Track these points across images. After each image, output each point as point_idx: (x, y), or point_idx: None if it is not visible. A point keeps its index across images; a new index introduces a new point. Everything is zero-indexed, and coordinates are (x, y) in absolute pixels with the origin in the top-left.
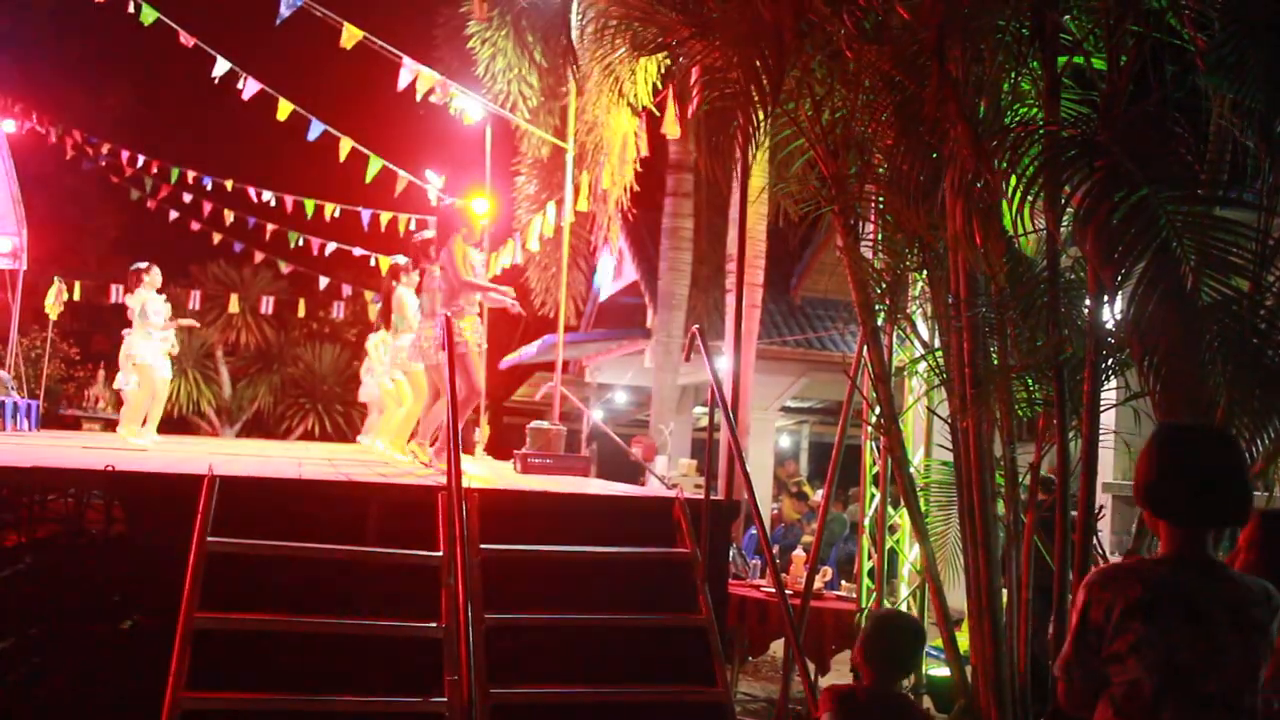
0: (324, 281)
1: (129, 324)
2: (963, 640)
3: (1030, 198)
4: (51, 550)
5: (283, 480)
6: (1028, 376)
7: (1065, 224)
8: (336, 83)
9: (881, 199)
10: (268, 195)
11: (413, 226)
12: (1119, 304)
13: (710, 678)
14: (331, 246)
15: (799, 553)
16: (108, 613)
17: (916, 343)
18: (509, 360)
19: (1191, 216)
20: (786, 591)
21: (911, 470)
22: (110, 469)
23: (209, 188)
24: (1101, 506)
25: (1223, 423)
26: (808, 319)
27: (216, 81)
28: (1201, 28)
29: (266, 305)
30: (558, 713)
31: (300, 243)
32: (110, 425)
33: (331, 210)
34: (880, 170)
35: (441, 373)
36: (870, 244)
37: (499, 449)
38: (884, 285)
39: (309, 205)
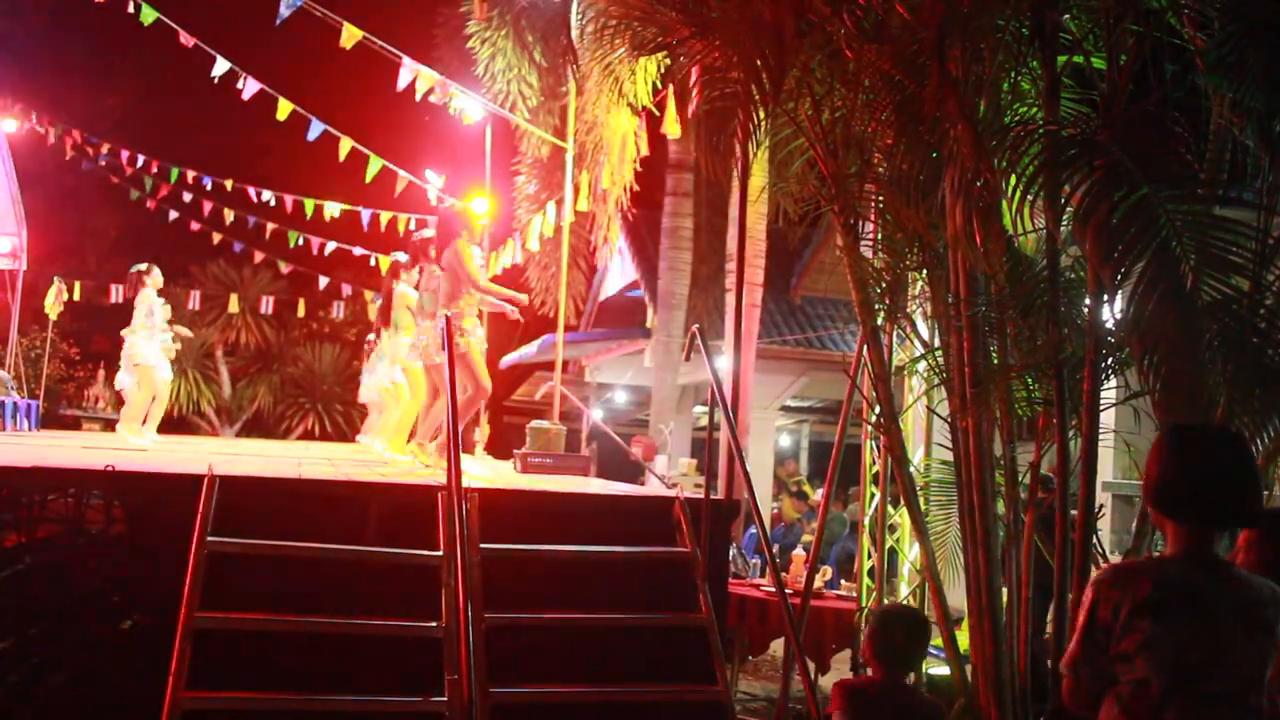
0: (324, 281)
1: (128, 324)
2: (963, 639)
3: (1030, 197)
4: (51, 550)
5: (283, 480)
6: (1027, 376)
7: (1065, 223)
8: (336, 83)
9: (881, 198)
10: (267, 195)
11: (412, 226)
12: (1119, 303)
13: (710, 677)
14: (331, 246)
15: (799, 552)
16: (108, 613)
17: (916, 342)
18: (509, 360)
19: (1191, 215)
20: (786, 591)
21: (911, 469)
22: (110, 469)
23: (209, 188)
24: (1101, 505)
25: (1223, 422)
26: (808, 318)
27: (216, 81)
28: (1201, 27)
29: (266, 305)
30: (558, 712)
31: (300, 242)
32: (110, 425)
33: (331, 210)
34: (880, 169)
35: (442, 373)
36: (870, 243)
37: (499, 449)
38: (884, 284)
39: (309, 205)
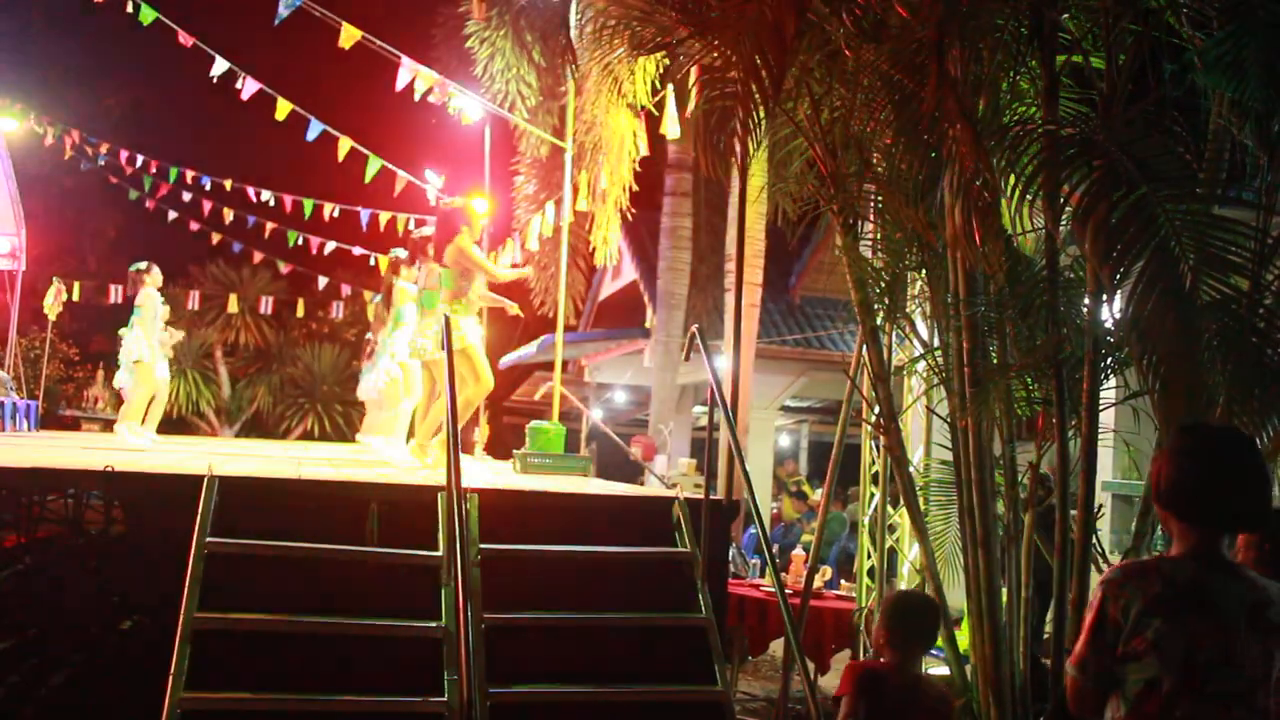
0: (323, 281)
1: (127, 324)
2: (962, 639)
3: (1029, 197)
4: (51, 550)
5: (282, 480)
6: (1027, 375)
7: (1064, 223)
8: (335, 82)
9: (880, 198)
10: (267, 195)
11: (412, 226)
12: (1118, 302)
13: (710, 677)
14: (331, 246)
15: (798, 552)
16: (107, 613)
17: (916, 342)
18: (508, 360)
19: (1190, 215)
20: (786, 591)
21: (911, 469)
22: (110, 469)
23: (208, 187)
24: (1101, 505)
25: (1222, 421)
26: (807, 318)
27: (215, 81)
28: (1200, 27)
29: (265, 305)
30: (557, 712)
31: (300, 242)
32: (110, 426)
33: (330, 210)
34: (879, 169)
35: (442, 369)
36: (869, 243)
37: (498, 448)
38: (883, 284)
39: (308, 205)
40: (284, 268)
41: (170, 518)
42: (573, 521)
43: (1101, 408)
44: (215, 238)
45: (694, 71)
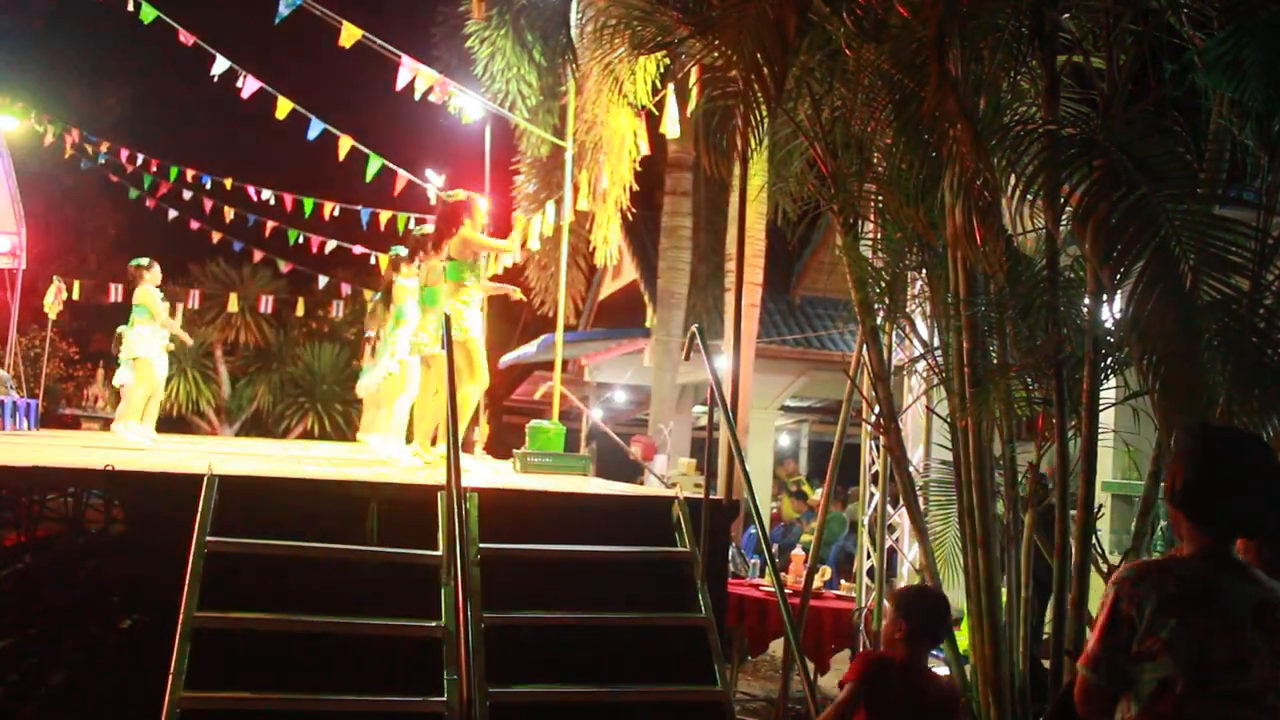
0: (323, 280)
1: (127, 322)
2: (962, 639)
3: (1029, 197)
4: (51, 550)
5: (282, 479)
6: (1027, 375)
7: (1064, 223)
8: (336, 82)
9: (881, 198)
10: (267, 194)
11: (412, 225)
12: (1118, 302)
13: (710, 677)
14: (331, 245)
15: (798, 552)
16: (107, 612)
17: (916, 342)
18: (508, 359)
19: (1190, 215)
20: (785, 590)
21: (911, 469)
22: (109, 468)
23: (208, 186)
24: (1100, 505)
25: (1222, 422)
26: (807, 318)
27: (216, 80)
28: (1200, 27)
29: (266, 304)
30: (557, 712)
31: (300, 241)
32: (110, 424)
33: (331, 209)
34: (879, 169)
35: (442, 363)
36: (870, 243)
37: (498, 448)
38: (883, 284)
39: (308, 204)
40: (284, 266)
41: (170, 517)
42: (572, 521)
43: (1101, 408)
44: (215, 236)
45: (695, 71)
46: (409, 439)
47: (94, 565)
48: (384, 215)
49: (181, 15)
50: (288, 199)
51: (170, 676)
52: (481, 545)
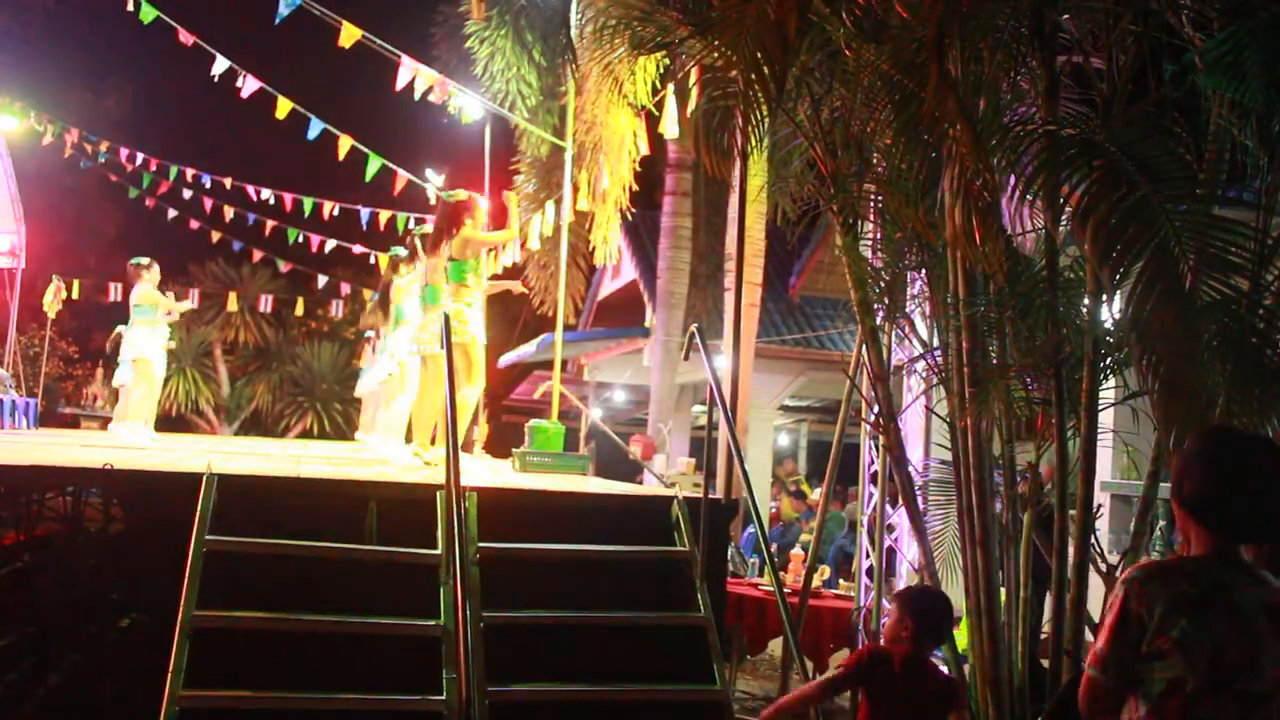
0: (323, 280)
1: (126, 321)
2: (961, 639)
3: (1029, 197)
4: (50, 549)
5: (281, 478)
6: (1026, 375)
7: (1064, 223)
8: (335, 81)
9: (880, 198)
10: (266, 193)
11: (412, 225)
12: (1117, 303)
13: (709, 676)
14: (331, 245)
15: (797, 551)
16: (106, 611)
17: (915, 341)
18: (508, 358)
19: (1190, 216)
20: (784, 590)
21: (910, 469)
22: (109, 467)
23: (208, 186)
24: (1100, 505)
25: (1225, 422)
26: (806, 318)
27: (216, 80)
28: (1200, 27)
29: (265, 304)
30: (556, 711)
31: (300, 240)
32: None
33: (330, 208)
34: (879, 169)
35: (441, 364)
36: (869, 243)
37: (497, 447)
38: (883, 284)
39: (308, 203)
40: (284, 266)
41: (169, 516)
42: (572, 520)
43: (1101, 408)
44: (215, 236)
45: (695, 71)
46: (408, 439)
47: (93, 564)
48: (384, 215)
49: (181, 15)
50: (287, 198)
51: (169, 675)
52: (480, 544)
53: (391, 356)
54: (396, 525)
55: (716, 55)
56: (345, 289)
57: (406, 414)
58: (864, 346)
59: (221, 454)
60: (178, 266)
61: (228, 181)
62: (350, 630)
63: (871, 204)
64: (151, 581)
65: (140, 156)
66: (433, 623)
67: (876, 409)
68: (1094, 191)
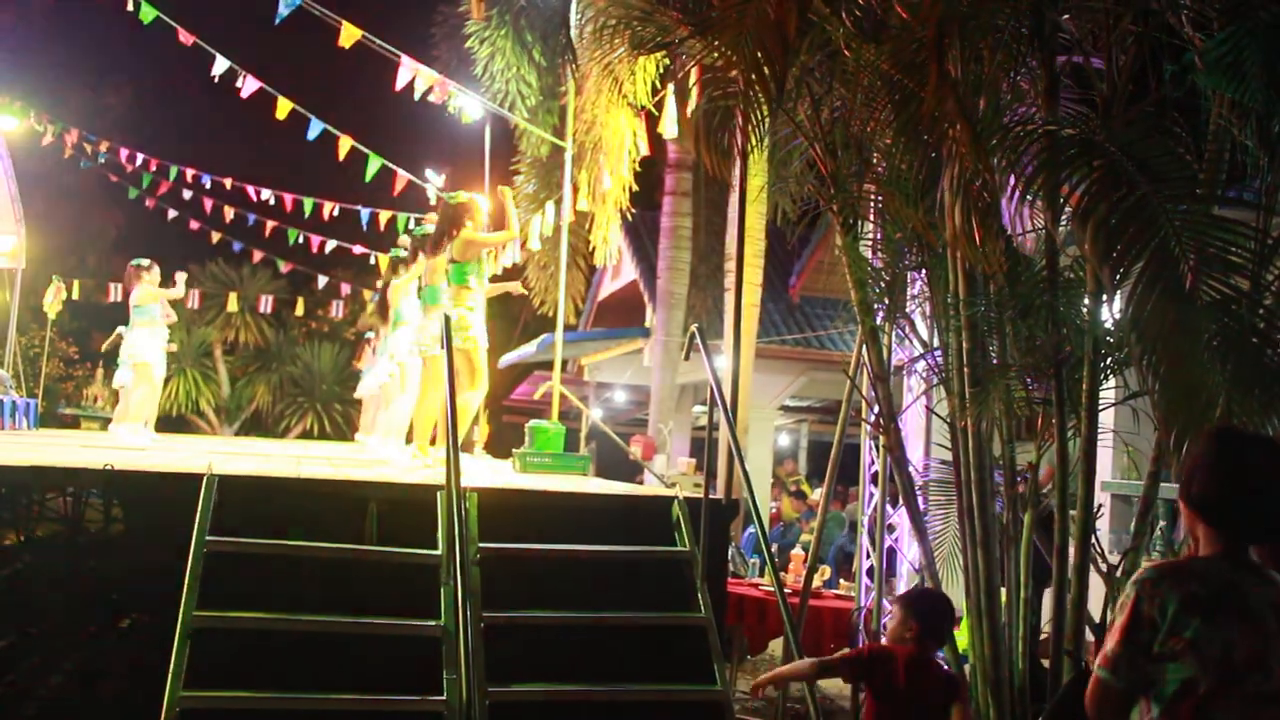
0: (323, 280)
1: (126, 322)
2: (961, 639)
3: (1029, 197)
4: (51, 549)
5: (282, 479)
6: (1026, 375)
7: (1064, 223)
8: (336, 81)
9: (880, 198)
10: (267, 194)
11: (412, 225)
12: (1118, 303)
13: (709, 676)
14: (331, 245)
15: (798, 551)
16: (107, 612)
17: (915, 342)
18: (508, 359)
19: (1190, 215)
20: (785, 590)
21: (910, 469)
22: (109, 468)
23: (208, 186)
24: (1100, 505)
25: (1224, 422)
26: (807, 318)
27: (216, 80)
28: (1200, 27)
29: (265, 304)
30: (556, 711)
31: (300, 241)
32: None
33: (330, 209)
34: (879, 169)
35: (442, 366)
36: (869, 243)
37: (498, 447)
38: (883, 284)
39: (308, 204)
40: (284, 266)
41: (170, 516)
42: (572, 520)
43: (1101, 408)
44: (215, 236)
45: (695, 72)
46: (409, 439)
47: (93, 565)
48: (384, 215)
49: (181, 15)
50: (287, 199)
51: (169, 676)
52: (481, 545)
53: (391, 357)
54: (397, 526)
55: (716, 55)
56: (345, 289)
57: (406, 415)
58: (864, 347)
59: (222, 455)
60: (178, 267)
61: (228, 182)
62: (350, 631)
63: (871, 204)
64: (152, 582)
65: (140, 157)
66: (433, 623)
67: (877, 409)
68: (1094, 191)
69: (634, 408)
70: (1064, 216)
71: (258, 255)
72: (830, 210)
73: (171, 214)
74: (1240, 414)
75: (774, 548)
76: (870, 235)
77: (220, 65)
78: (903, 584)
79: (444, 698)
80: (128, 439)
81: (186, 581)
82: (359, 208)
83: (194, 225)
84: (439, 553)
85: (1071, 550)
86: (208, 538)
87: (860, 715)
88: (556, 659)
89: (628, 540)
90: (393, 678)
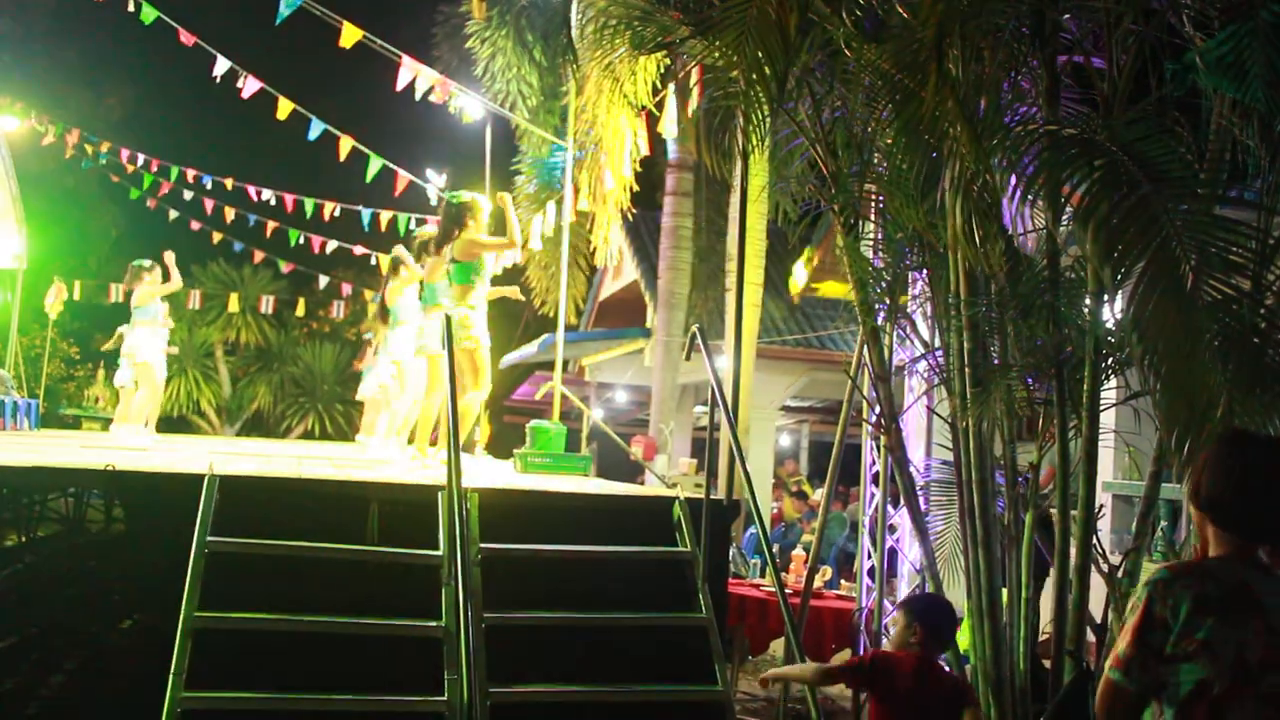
0: (324, 281)
1: (128, 322)
2: (962, 639)
3: (1030, 197)
4: (51, 549)
5: (283, 479)
6: (1028, 375)
7: (1065, 223)
8: (337, 82)
9: (881, 198)
10: (268, 194)
11: (413, 226)
12: (1119, 303)
13: (710, 677)
14: (332, 245)
15: (799, 552)
16: (108, 612)
17: (916, 342)
18: (509, 359)
19: (1191, 215)
20: (786, 591)
21: (911, 469)
22: (110, 468)
23: (209, 187)
24: (1101, 506)
25: (1223, 423)
26: (808, 318)
27: (217, 80)
28: (1201, 27)
29: (266, 304)
30: (557, 712)
31: (301, 241)
32: (110, 425)
33: (331, 209)
34: (880, 169)
35: (443, 366)
36: (870, 243)
37: (499, 448)
38: (884, 284)
39: (309, 204)
40: (285, 267)
41: (171, 517)
42: (573, 521)
43: (1102, 408)
44: (216, 237)
45: (695, 72)
46: (410, 440)
47: (94, 565)
48: (384, 216)
49: (182, 16)
50: (288, 199)
51: (170, 676)
52: (482, 545)
53: (389, 356)
54: (398, 526)
55: (717, 55)
56: (347, 290)
57: (405, 415)
58: (865, 347)
59: (223, 455)
60: (179, 267)
61: (229, 182)
62: (352, 631)
63: (873, 204)
64: (153, 582)
65: (141, 157)
66: (434, 623)
67: (878, 409)
68: (1095, 191)
69: (635, 408)
70: (1065, 216)
71: (259, 256)
72: (831, 210)
73: (173, 214)
74: (1241, 414)
75: (775, 548)
76: (871, 235)
77: (221, 65)
78: (904, 584)
79: (445, 698)
80: (129, 439)
81: (187, 582)
82: (360, 208)
83: (195, 226)
84: (440, 553)
85: (1073, 550)
86: (209, 538)
87: (863, 718)
88: (558, 659)
89: (629, 540)
90: (394, 678)
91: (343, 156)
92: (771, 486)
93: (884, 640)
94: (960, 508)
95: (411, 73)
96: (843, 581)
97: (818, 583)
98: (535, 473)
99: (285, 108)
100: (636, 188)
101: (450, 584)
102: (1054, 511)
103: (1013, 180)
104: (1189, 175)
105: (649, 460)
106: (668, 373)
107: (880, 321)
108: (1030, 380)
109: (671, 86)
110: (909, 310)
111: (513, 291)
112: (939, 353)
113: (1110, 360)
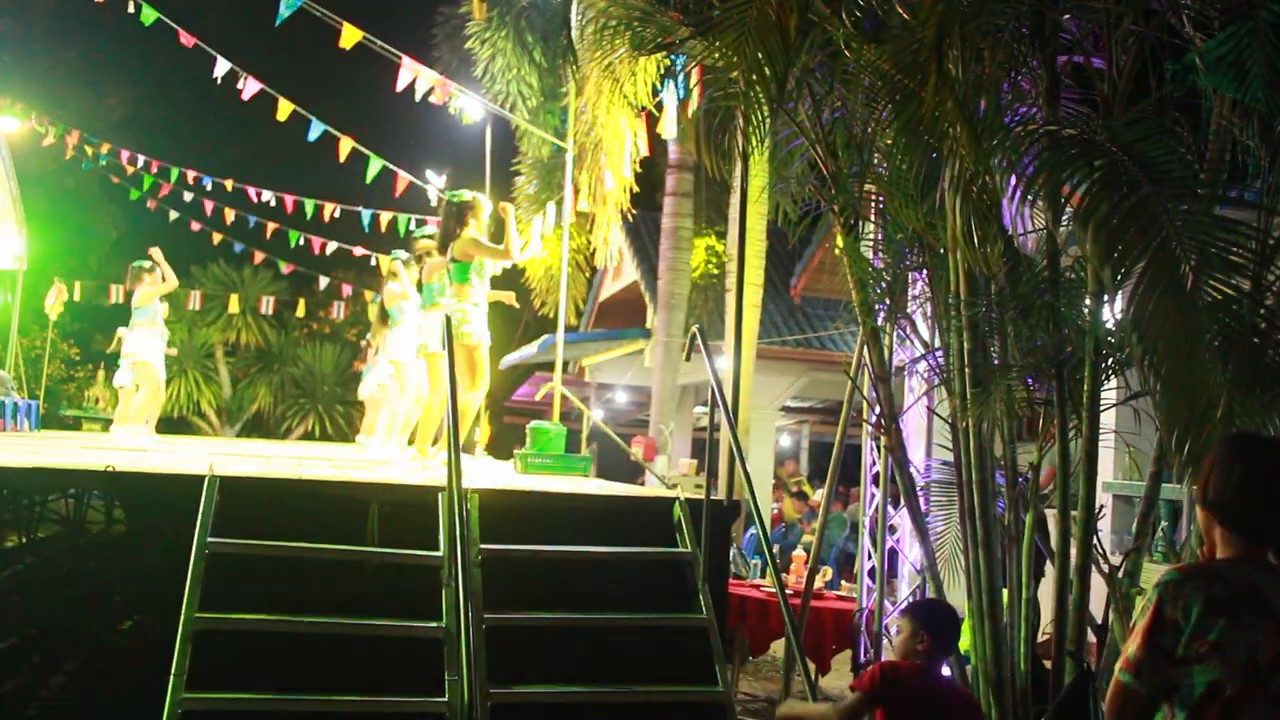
0: (324, 282)
1: (127, 323)
2: (963, 640)
3: (1030, 197)
4: (52, 550)
5: (283, 480)
6: (1028, 376)
7: (1065, 223)
8: (337, 83)
9: (881, 198)
10: (268, 195)
11: (413, 227)
12: (1119, 303)
13: (711, 677)
14: (332, 247)
15: (799, 552)
16: (108, 613)
17: (916, 342)
18: (509, 360)
19: (1191, 216)
20: (786, 591)
21: (911, 470)
22: (111, 469)
23: (209, 188)
24: (1102, 506)
25: (1223, 423)
26: (808, 319)
27: (217, 82)
28: (1201, 27)
29: (266, 305)
30: (558, 712)
31: (301, 242)
32: (110, 426)
33: (332, 210)
34: (880, 169)
35: (442, 365)
36: (870, 243)
37: (499, 449)
38: (884, 285)
39: (309, 205)
40: (285, 268)
41: (171, 518)
42: (573, 521)
43: (1102, 408)
44: (216, 238)
45: (695, 72)
46: (411, 440)
47: (94, 565)
48: (385, 217)
49: (182, 17)
50: (288, 200)
51: (171, 677)
52: (482, 546)
53: (388, 357)
54: (398, 527)
55: (717, 56)
56: (347, 291)
57: (404, 416)
58: (865, 347)
59: (223, 456)
60: (179, 268)
61: (229, 183)
62: (352, 632)
63: (872, 205)
64: (153, 583)
65: (141, 158)
66: (435, 624)
67: (878, 410)
68: (1095, 192)
69: (635, 409)
70: (1065, 217)
71: (259, 256)
72: (831, 211)
73: (173, 215)
74: (1241, 414)
75: (775, 549)
76: (871, 236)
77: (221, 67)
78: (904, 585)
79: (446, 699)
80: (129, 440)
81: (188, 583)
82: (360, 209)
83: (195, 227)
84: (440, 554)
85: (1073, 551)
86: (209, 539)
87: None
88: (558, 660)
89: (629, 541)
90: (394, 679)
91: (343, 157)
92: (772, 487)
93: (884, 641)
94: (960, 508)
95: (411, 74)
96: (843, 582)
97: (818, 583)
98: (535, 473)
99: (285, 109)
100: (636, 188)
101: (450, 585)
102: (1051, 511)
103: (1013, 180)
104: (1189, 175)
105: (649, 461)
106: (668, 373)
107: (880, 322)
108: (1030, 380)
109: (671, 87)
110: (909, 311)
111: (508, 297)
112: (939, 353)
113: (1110, 360)
